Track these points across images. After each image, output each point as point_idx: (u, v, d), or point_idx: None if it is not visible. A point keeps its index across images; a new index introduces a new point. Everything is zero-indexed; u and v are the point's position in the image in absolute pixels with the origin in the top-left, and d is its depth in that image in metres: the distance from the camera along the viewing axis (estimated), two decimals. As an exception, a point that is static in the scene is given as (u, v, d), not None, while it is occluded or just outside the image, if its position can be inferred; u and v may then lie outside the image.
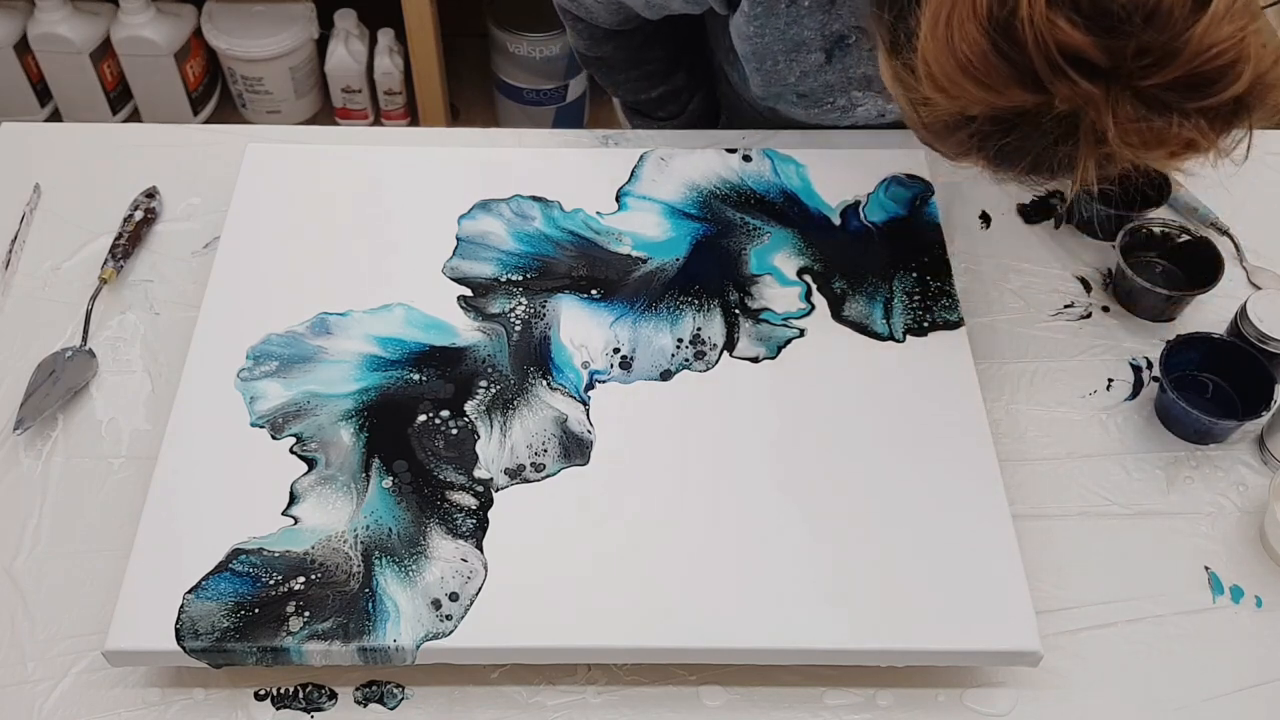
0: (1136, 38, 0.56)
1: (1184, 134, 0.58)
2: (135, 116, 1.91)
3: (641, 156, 0.96)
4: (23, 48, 1.78)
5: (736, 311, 0.85)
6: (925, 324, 0.85)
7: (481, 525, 0.74)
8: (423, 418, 0.79)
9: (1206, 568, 0.80)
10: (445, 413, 0.79)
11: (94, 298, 0.90)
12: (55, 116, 1.89)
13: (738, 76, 1.03)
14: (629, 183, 0.94)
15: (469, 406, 0.79)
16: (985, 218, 0.98)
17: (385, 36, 1.84)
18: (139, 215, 0.95)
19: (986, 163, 0.64)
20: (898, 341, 0.84)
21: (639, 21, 1.00)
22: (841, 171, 0.95)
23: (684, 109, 1.12)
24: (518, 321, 0.84)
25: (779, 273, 0.88)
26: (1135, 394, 0.89)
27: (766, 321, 0.85)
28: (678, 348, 0.83)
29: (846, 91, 0.94)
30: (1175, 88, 0.57)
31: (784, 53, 0.90)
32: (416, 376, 0.81)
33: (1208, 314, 0.93)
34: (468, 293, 0.86)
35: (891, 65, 0.66)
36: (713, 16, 0.94)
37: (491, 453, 0.77)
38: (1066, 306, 0.94)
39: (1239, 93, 0.57)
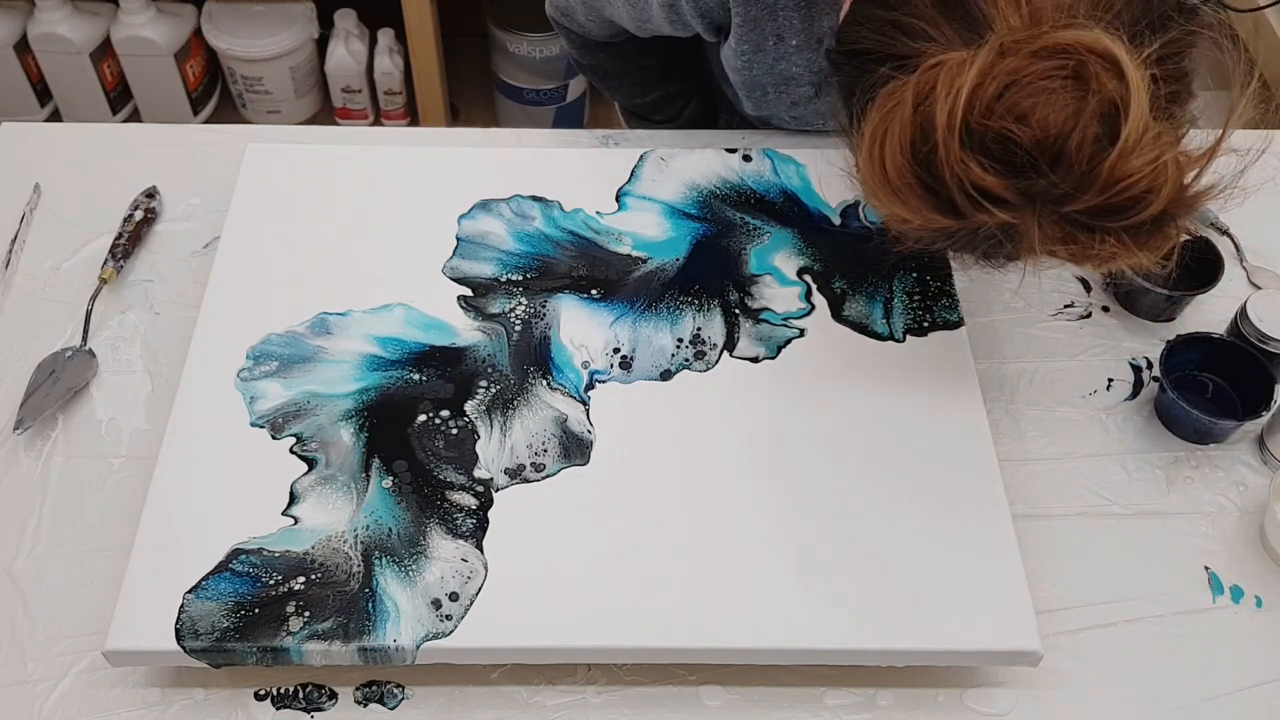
0: (1046, 177, 0.57)
1: (1106, 250, 0.59)
2: (135, 116, 1.91)
3: (641, 156, 0.96)
4: (23, 48, 1.78)
5: (736, 311, 0.85)
6: (925, 324, 0.85)
7: (481, 525, 0.74)
8: (423, 418, 0.79)
9: (1206, 568, 0.80)
10: (445, 413, 0.79)
11: (94, 298, 0.90)
12: (55, 116, 1.89)
13: (732, 93, 1.03)
14: (629, 183, 0.94)
15: (469, 406, 0.79)
16: (985, 218, 0.98)
17: (385, 36, 1.84)
18: (139, 215, 0.95)
19: (946, 251, 0.66)
20: (898, 341, 0.84)
21: (630, 34, 1.00)
22: (841, 171, 0.94)
23: (680, 113, 1.11)
24: (518, 321, 0.84)
25: (779, 272, 0.88)
26: (1135, 394, 0.89)
27: (766, 321, 0.85)
28: (678, 348, 0.83)
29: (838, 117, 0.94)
30: (1092, 214, 0.58)
31: (773, 85, 0.90)
32: (416, 376, 0.81)
33: (1208, 314, 0.93)
34: (468, 293, 0.86)
35: (847, 160, 0.68)
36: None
37: (491, 453, 0.77)
38: (1066, 306, 0.94)
39: (1158, 212, 0.57)
